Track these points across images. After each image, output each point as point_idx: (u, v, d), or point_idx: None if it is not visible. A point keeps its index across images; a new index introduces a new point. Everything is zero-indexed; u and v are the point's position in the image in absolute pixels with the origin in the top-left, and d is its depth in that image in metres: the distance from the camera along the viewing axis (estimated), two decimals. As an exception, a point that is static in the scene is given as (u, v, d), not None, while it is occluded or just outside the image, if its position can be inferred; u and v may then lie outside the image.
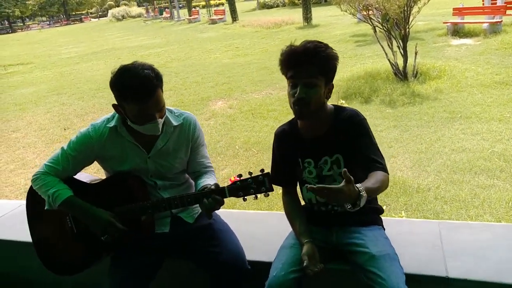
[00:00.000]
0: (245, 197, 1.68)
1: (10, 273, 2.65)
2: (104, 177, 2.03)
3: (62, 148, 1.86)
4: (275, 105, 7.56)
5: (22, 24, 71.05)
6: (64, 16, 71.42)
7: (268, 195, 1.67)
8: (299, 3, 26.55)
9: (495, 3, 12.10)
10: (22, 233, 2.34)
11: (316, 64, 1.62)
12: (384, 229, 1.82)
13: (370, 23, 8.06)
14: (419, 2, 7.71)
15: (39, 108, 9.63)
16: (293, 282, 1.61)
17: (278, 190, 1.76)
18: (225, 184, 1.71)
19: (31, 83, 13.33)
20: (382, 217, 1.87)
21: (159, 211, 1.81)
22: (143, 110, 1.68)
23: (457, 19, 12.34)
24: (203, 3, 41.52)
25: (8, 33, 56.27)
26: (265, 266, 1.82)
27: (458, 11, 12.42)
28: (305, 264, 1.58)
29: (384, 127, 5.64)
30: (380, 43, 7.92)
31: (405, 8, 7.58)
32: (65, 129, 7.70)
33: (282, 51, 1.70)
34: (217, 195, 1.67)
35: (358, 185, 1.44)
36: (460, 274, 1.69)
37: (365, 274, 1.57)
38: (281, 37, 16.38)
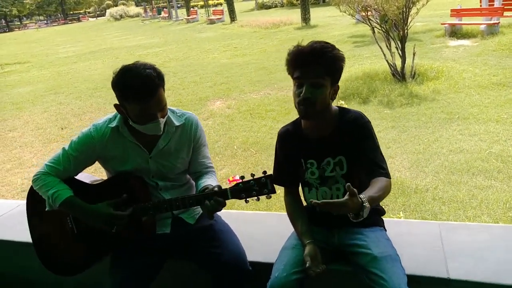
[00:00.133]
0: (247, 199, 1.68)
1: (9, 274, 2.64)
2: (105, 177, 2.03)
3: (63, 148, 1.86)
4: (274, 105, 7.56)
5: (19, 23, 70.86)
6: (62, 15, 71.22)
7: (270, 197, 1.67)
8: (297, 4, 26.58)
9: (493, 5, 12.13)
10: (21, 233, 2.34)
11: (322, 64, 1.63)
12: (386, 230, 1.83)
13: (369, 24, 8.07)
14: (417, 3, 7.73)
15: (36, 108, 9.61)
16: (295, 283, 1.61)
17: (278, 190, 1.76)
18: (223, 185, 1.72)
19: (28, 82, 13.29)
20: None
21: (160, 212, 1.81)
22: (144, 110, 1.68)
23: (454, 20, 12.37)
24: (202, 3, 41.53)
25: (5, 32, 56.14)
26: (265, 267, 1.82)
27: (456, 13, 12.46)
28: (307, 265, 1.59)
29: (382, 127, 5.65)
30: (378, 44, 7.94)
31: (404, 9, 7.60)
32: (62, 129, 7.68)
33: (289, 51, 1.71)
34: (219, 197, 1.67)
35: (361, 195, 1.45)
36: (461, 275, 1.70)
37: (367, 275, 1.58)
38: (280, 38, 16.39)
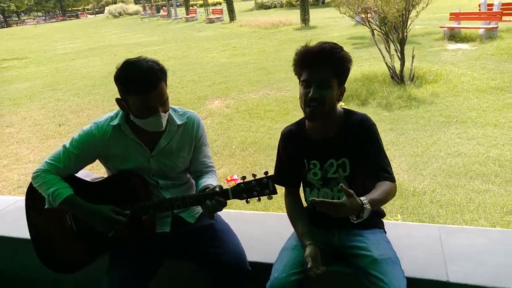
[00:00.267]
0: (248, 200, 1.68)
1: (8, 271, 2.63)
2: (104, 174, 2.02)
3: (64, 145, 1.85)
4: (272, 105, 7.57)
5: (17, 18, 70.54)
6: (60, 11, 70.96)
7: (272, 197, 1.67)
8: (296, 4, 26.61)
9: (491, 9, 12.18)
10: (19, 229, 2.33)
11: (331, 65, 1.63)
12: (386, 232, 1.83)
13: (368, 26, 8.09)
14: (417, 6, 7.75)
15: (33, 104, 9.57)
16: (294, 284, 1.61)
17: (278, 191, 1.76)
18: (221, 184, 1.72)
19: (26, 78, 13.24)
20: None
21: (161, 211, 1.80)
22: (146, 102, 1.67)
23: (453, 24, 12.41)
24: (201, 2, 41.49)
25: (3, 27, 55.90)
26: (264, 267, 1.82)
27: (455, 16, 12.50)
28: (309, 265, 1.58)
29: (380, 130, 5.56)
30: (378, 46, 7.96)
31: (404, 12, 7.63)
32: (60, 125, 7.66)
33: (296, 51, 1.70)
34: (221, 197, 1.66)
35: (362, 198, 1.47)
36: (460, 279, 1.70)
37: (366, 277, 1.58)
38: (279, 38, 16.40)
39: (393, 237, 1.81)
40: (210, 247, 1.85)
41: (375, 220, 1.82)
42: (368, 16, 8.26)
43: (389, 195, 1.61)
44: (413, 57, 7.79)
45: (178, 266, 2.07)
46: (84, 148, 1.83)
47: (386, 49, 7.88)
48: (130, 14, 45.67)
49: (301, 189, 1.94)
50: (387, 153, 1.76)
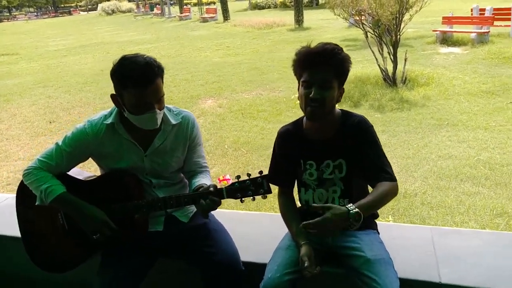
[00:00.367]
0: (243, 199, 1.67)
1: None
2: (95, 172, 2.00)
3: (57, 143, 1.82)
4: (265, 105, 7.57)
5: (8, 14, 69.73)
6: (53, 7, 70.34)
7: (266, 197, 1.67)
8: (290, 5, 26.64)
9: (483, 14, 12.31)
10: (9, 227, 2.30)
11: (332, 66, 1.63)
12: (379, 233, 1.84)
13: (362, 28, 8.14)
14: (410, 9, 7.81)
15: (24, 100, 9.47)
16: (288, 284, 1.61)
17: (272, 190, 1.75)
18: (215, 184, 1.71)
19: (16, 74, 13.09)
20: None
21: (154, 211, 1.79)
22: (142, 97, 1.66)
23: (446, 28, 12.53)
24: (195, 1, 41.40)
25: (-6, 22, 55.21)
26: (257, 267, 1.82)
27: (447, 20, 12.62)
28: (305, 264, 1.59)
29: (372, 131, 5.68)
30: (371, 48, 8.01)
31: (397, 15, 7.68)
32: (50, 122, 7.59)
33: (297, 51, 1.70)
34: (215, 197, 1.66)
35: (349, 204, 1.51)
36: (453, 280, 1.72)
37: (360, 278, 1.58)
38: (272, 38, 16.41)
39: (386, 238, 1.81)
40: (204, 247, 1.84)
41: (369, 221, 1.82)
42: (362, 18, 8.31)
43: (386, 196, 1.62)
44: (405, 60, 7.84)
45: (170, 266, 2.05)
46: (77, 146, 1.81)
47: (379, 51, 7.93)
48: (123, 12, 45.37)
49: (295, 189, 1.94)
50: (380, 154, 1.76)
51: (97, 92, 9.55)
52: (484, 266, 1.79)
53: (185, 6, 32.18)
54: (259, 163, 5.07)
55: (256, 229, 2.27)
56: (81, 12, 61.02)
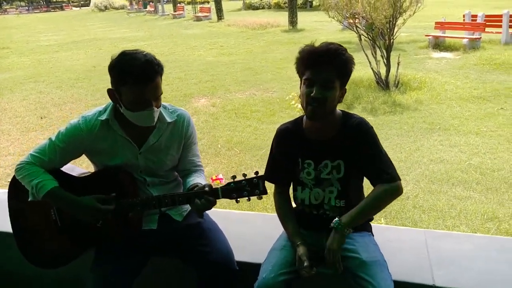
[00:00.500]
0: (238, 199, 1.67)
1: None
2: (89, 168, 1.98)
3: (50, 138, 1.80)
4: (259, 106, 7.57)
5: (-1, 7, 68.84)
6: (44, 2, 69.59)
7: (261, 198, 1.66)
8: (284, 7, 26.67)
9: (476, 20, 12.45)
10: (0, 222, 2.26)
11: (335, 66, 1.63)
12: (373, 235, 1.84)
13: (356, 31, 8.18)
14: (404, 14, 7.86)
15: (14, 95, 9.36)
16: (282, 285, 1.60)
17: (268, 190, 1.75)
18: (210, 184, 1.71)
19: (6, 68, 12.94)
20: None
21: (148, 209, 1.78)
22: (141, 94, 1.64)
23: (438, 33, 12.66)
24: (189, -1, 41.21)
25: (-16, 16, 54.47)
26: (250, 267, 1.82)
27: (440, 25, 12.75)
28: (305, 264, 1.59)
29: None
30: (364, 52, 8.04)
31: (391, 19, 7.73)
32: (41, 118, 7.51)
33: (300, 49, 1.70)
34: (210, 196, 1.65)
35: (334, 221, 1.65)
36: (446, 283, 1.73)
37: (354, 280, 1.58)
38: (266, 39, 16.42)
39: (380, 240, 1.82)
40: (198, 246, 1.83)
41: (364, 223, 1.83)
42: (356, 21, 8.34)
43: (381, 199, 1.68)
44: (398, 64, 7.90)
45: (163, 264, 2.04)
46: (71, 142, 1.78)
47: (372, 54, 7.97)
48: (116, 9, 45.09)
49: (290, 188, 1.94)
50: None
51: (89, 88, 9.47)
52: (476, 270, 1.81)
53: (178, 4, 32.03)
54: (252, 163, 5.07)
55: (250, 229, 2.26)
56: (74, 8, 60.47)
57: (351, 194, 1.76)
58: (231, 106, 7.63)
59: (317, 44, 1.69)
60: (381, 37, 8.14)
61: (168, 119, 1.85)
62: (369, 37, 8.05)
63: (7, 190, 1.92)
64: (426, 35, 12.63)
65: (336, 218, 1.64)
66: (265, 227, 2.22)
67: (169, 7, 33.80)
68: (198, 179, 1.86)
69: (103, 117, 1.78)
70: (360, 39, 8.12)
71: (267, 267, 1.67)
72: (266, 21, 21.40)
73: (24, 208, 1.86)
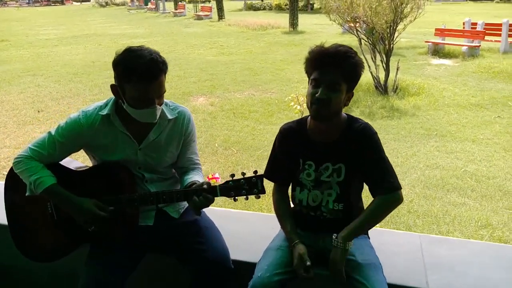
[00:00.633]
0: (236, 198, 1.67)
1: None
2: (86, 161, 1.98)
3: (49, 132, 1.79)
4: (257, 106, 7.57)
5: (-1, -1, 68.50)
6: (45, -4, 69.27)
7: (260, 197, 1.67)
8: (285, 8, 26.71)
9: (475, 28, 12.52)
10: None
11: (343, 68, 1.62)
12: (369, 238, 1.85)
13: (356, 35, 8.20)
14: (405, 19, 7.89)
15: (12, 88, 9.32)
16: (277, 285, 1.61)
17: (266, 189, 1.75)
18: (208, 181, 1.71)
19: (4, 61, 12.88)
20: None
21: (146, 205, 1.78)
22: (144, 93, 1.65)
23: (438, 39, 12.71)
24: (190, -3, 41.18)
25: (-16, 7, 54.21)
26: (246, 266, 1.82)
27: (440, 32, 12.80)
28: (308, 263, 1.60)
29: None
30: (364, 56, 8.03)
31: (392, 24, 7.76)
32: (39, 112, 7.47)
33: (310, 49, 1.70)
34: (208, 194, 1.65)
35: (334, 238, 1.65)
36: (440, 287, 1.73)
37: (349, 282, 1.59)
38: (267, 40, 16.44)
39: (376, 244, 1.82)
40: (194, 243, 1.83)
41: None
42: (357, 25, 8.37)
43: (381, 210, 1.71)
44: (397, 69, 7.93)
45: (158, 261, 2.04)
46: (70, 137, 1.78)
47: (372, 59, 7.99)
48: (117, 5, 45.03)
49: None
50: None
51: (88, 83, 9.44)
52: (471, 276, 1.82)
53: (179, 3, 32.00)
54: (249, 163, 5.07)
55: (246, 228, 2.26)
56: (74, 3, 60.27)
57: (351, 198, 1.76)
58: (230, 106, 7.63)
59: (327, 45, 1.69)
60: (381, 42, 8.16)
61: (169, 116, 1.85)
62: (369, 42, 8.08)
63: (2, 182, 1.92)
64: (426, 41, 12.68)
65: (334, 236, 1.64)
66: (261, 227, 2.22)
67: (170, 5, 33.77)
68: (196, 177, 1.86)
69: (104, 112, 1.78)
70: (360, 43, 8.14)
71: (262, 267, 1.67)
72: (267, 22, 21.42)
73: (20, 201, 1.86)
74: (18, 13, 39.92)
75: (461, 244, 2.10)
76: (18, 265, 2.21)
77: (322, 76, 1.63)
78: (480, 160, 5.07)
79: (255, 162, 5.05)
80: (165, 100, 1.85)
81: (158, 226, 1.89)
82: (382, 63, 8.07)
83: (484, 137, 5.84)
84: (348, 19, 8.53)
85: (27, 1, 64.26)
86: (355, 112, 7.04)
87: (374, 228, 1.80)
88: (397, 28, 7.93)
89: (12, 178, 1.84)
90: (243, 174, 1.67)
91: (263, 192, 1.66)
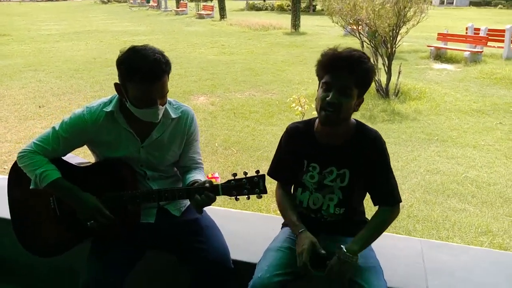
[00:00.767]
0: (238, 197, 1.66)
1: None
2: (88, 157, 1.97)
3: (54, 127, 1.79)
4: (258, 107, 7.56)
5: (1, -7, 68.37)
6: (47, -9, 69.19)
7: (261, 197, 1.66)
8: (287, 9, 26.72)
9: (478, 34, 12.52)
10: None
11: (355, 73, 1.60)
12: (370, 242, 1.84)
13: (358, 38, 8.19)
14: (408, 23, 7.89)
15: (13, 82, 9.31)
16: (277, 285, 1.60)
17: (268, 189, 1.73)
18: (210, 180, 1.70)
19: (6, 55, 12.86)
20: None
21: (148, 202, 1.77)
22: (147, 93, 1.64)
23: (440, 44, 12.71)
24: (192, -4, 41.18)
25: (-14, 1, 54.13)
26: (246, 267, 1.81)
27: (442, 37, 12.81)
28: (322, 252, 1.62)
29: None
30: (366, 59, 8.05)
31: (394, 27, 7.75)
32: (40, 107, 7.46)
33: (323, 52, 1.67)
34: (210, 192, 1.65)
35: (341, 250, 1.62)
36: (440, 293, 1.73)
37: (350, 285, 1.58)
38: (268, 41, 16.43)
39: (377, 247, 1.82)
40: (195, 243, 1.83)
41: (361, 228, 1.82)
42: (359, 28, 8.37)
43: (384, 225, 1.72)
44: (399, 73, 7.92)
45: (158, 260, 2.03)
46: (74, 132, 1.78)
47: (374, 62, 7.98)
48: (119, 2, 45.04)
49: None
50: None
51: (89, 80, 9.43)
52: (471, 282, 1.81)
53: (182, 1, 32.01)
54: (249, 163, 5.06)
55: (248, 229, 2.26)
56: (77, -1, 60.18)
57: (353, 203, 1.76)
58: (230, 106, 7.62)
59: (340, 49, 1.66)
60: (384, 45, 8.16)
61: (173, 115, 1.85)
62: (372, 45, 8.07)
63: (4, 177, 1.91)
64: (428, 46, 12.68)
65: (343, 249, 1.61)
66: (261, 227, 2.22)
67: (172, 3, 33.78)
68: (198, 176, 1.86)
69: (108, 108, 1.78)
70: (362, 46, 8.14)
71: (262, 267, 1.66)
72: (269, 22, 21.43)
73: (23, 195, 1.85)
74: (20, 7, 39.90)
75: (462, 250, 2.10)
76: (18, 259, 2.21)
77: (334, 80, 1.61)
78: (481, 166, 5.06)
79: (255, 163, 5.04)
80: (168, 98, 1.84)
81: (159, 223, 1.89)
82: (384, 67, 8.06)
83: (485, 143, 5.84)
84: (351, 21, 8.53)
85: (30, -4, 64.08)
86: (356, 115, 6.88)
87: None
88: (400, 32, 7.93)
89: (16, 172, 1.84)
90: (245, 173, 1.67)
91: (265, 192, 1.65)
